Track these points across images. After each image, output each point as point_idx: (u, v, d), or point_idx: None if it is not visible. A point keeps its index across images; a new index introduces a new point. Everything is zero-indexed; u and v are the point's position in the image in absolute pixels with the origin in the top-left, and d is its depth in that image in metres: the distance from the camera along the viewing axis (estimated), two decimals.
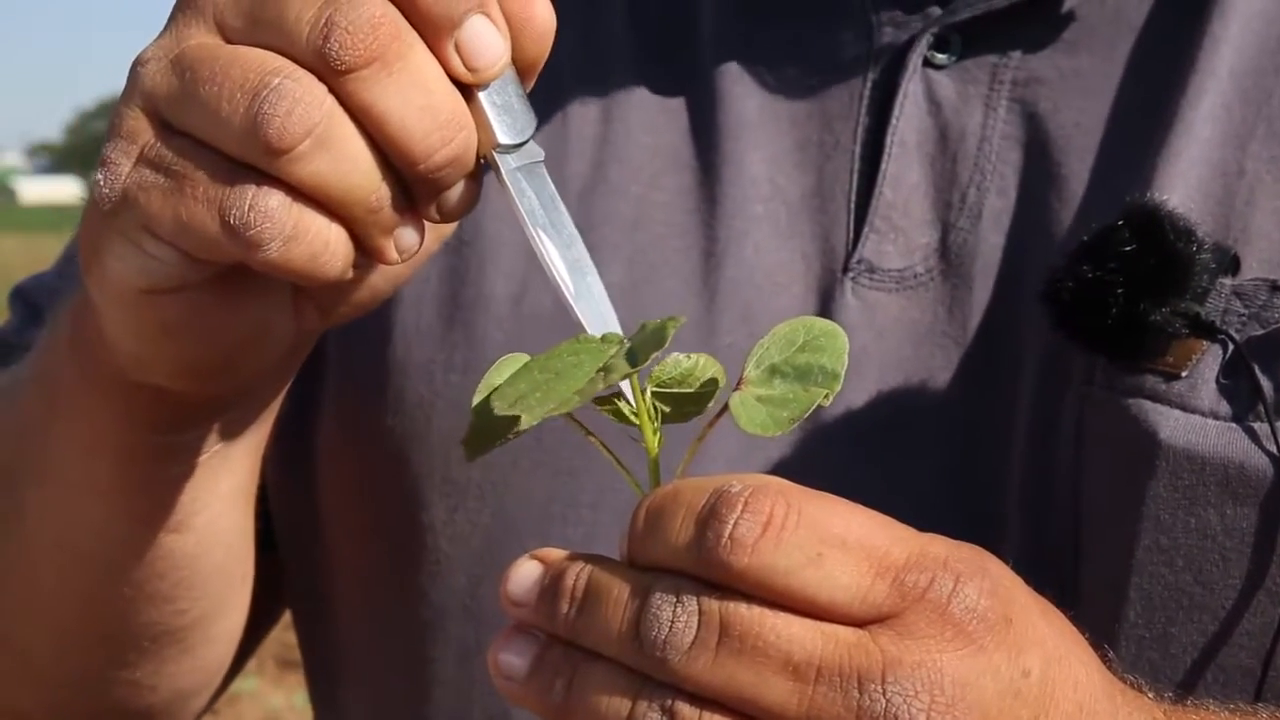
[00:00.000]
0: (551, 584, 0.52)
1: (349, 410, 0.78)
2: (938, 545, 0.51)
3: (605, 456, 0.54)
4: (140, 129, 0.57)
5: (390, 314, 0.77)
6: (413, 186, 0.57)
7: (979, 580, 0.51)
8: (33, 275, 0.90)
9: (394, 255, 0.58)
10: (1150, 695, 0.57)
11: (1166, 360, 0.65)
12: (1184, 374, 0.65)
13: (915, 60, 0.73)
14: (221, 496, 0.73)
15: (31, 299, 0.86)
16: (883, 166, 0.73)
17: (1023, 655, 0.51)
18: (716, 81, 0.76)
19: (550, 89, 0.78)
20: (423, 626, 0.76)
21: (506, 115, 0.58)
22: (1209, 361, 0.65)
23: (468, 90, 0.57)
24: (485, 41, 0.56)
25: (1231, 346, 0.65)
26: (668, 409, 0.54)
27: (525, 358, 0.54)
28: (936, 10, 0.74)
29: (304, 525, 0.82)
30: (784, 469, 0.71)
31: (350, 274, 0.58)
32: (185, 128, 0.56)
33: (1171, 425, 0.65)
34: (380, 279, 0.66)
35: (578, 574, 0.52)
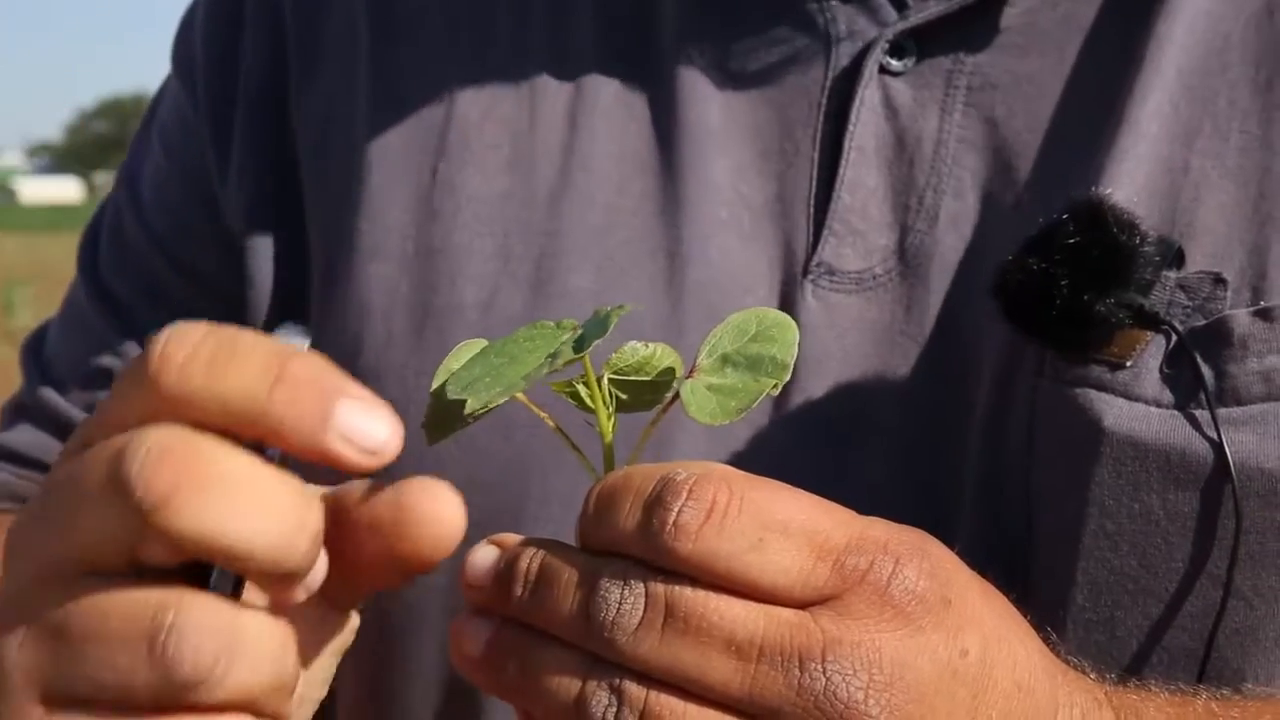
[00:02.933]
0: (506, 567, 0.54)
1: None
2: (878, 528, 0.53)
3: (564, 443, 0.56)
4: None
5: (362, 325, 0.78)
6: (270, 585, 0.51)
7: (918, 562, 0.52)
8: (40, 328, 0.95)
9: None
10: (1093, 676, 0.58)
11: (1111, 350, 0.67)
12: (1128, 364, 0.67)
13: (871, 67, 0.75)
14: None
15: (39, 356, 0.91)
16: (841, 172, 0.74)
17: (961, 635, 0.52)
18: (680, 89, 0.78)
19: (519, 93, 0.80)
20: (400, 626, 0.78)
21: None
22: (1153, 352, 0.67)
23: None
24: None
25: (1175, 337, 0.67)
26: (625, 396, 0.56)
27: (484, 343, 0.56)
28: (892, 16, 0.75)
29: None
30: (742, 462, 0.72)
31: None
32: (73, 694, 0.50)
33: (1115, 413, 0.66)
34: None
35: (530, 558, 0.53)
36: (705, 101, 0.77)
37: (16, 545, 0.53)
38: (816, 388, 0.73)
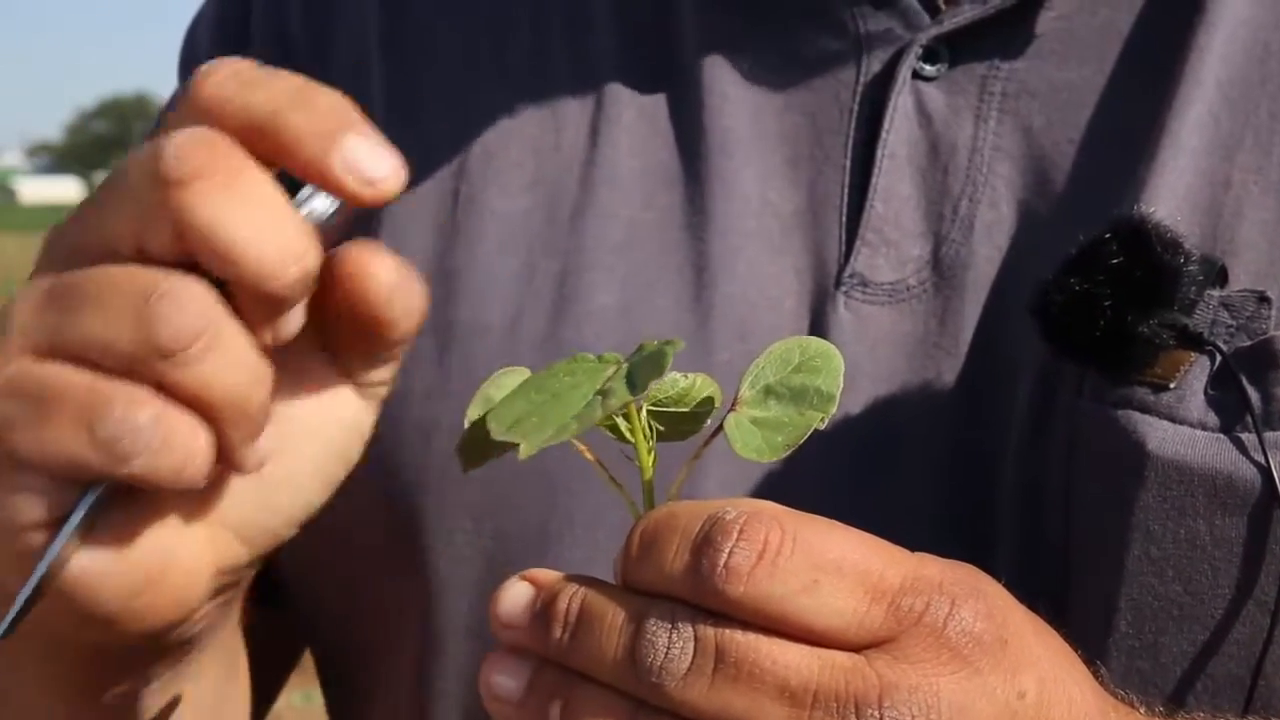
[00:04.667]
0: (544, 608, 0.52)
1: None
2: (932, 567, 0.51)
3: (603, 478, 0.54)
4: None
5: None
6: (252, 309, 0.55)
7: (974, 602, 0.51)
8: None
9: (253, 464, 0.57)
10: (1142, 710, 0.57)
11: (1155, 372, 0.66)
12: (1172, 385, 0.65)
13: (904, 73, 0.73)
14: (200, 698, 0.72)
15: None
16: (873, 180, 0.73)
17: (1018, 676, 0.51)
18: (705, 98, 0.76)
19: (540, 110, 0.79)
20: (424, 648, 0.76)
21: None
22: (1197, 373, 0.65)
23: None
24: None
25: (1219, 358, 0.65)
26: (663, 428, 0.55)
27: (525, 372, 0.54)
28: (925, 20, 0.74)
29: (308, 548, 0.82)
30: (777, 481, 0.71)
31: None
32: (62, 346, 0.55)
33: (1160, 436, 0.65)
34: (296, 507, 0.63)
35: (571, 597, 0.52)
36: (731, 109, 0.76)
37: (53, 236, 0.58)
38: (849, 401, 0.71)
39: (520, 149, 0.78)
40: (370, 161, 0.55)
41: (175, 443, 0.54)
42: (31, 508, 0.56)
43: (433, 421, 0.75)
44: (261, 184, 0.54)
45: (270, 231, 0.54)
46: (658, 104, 0.77)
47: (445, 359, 0.76)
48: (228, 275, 0.54)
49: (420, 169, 0.79)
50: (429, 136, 0.80)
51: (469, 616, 0.75)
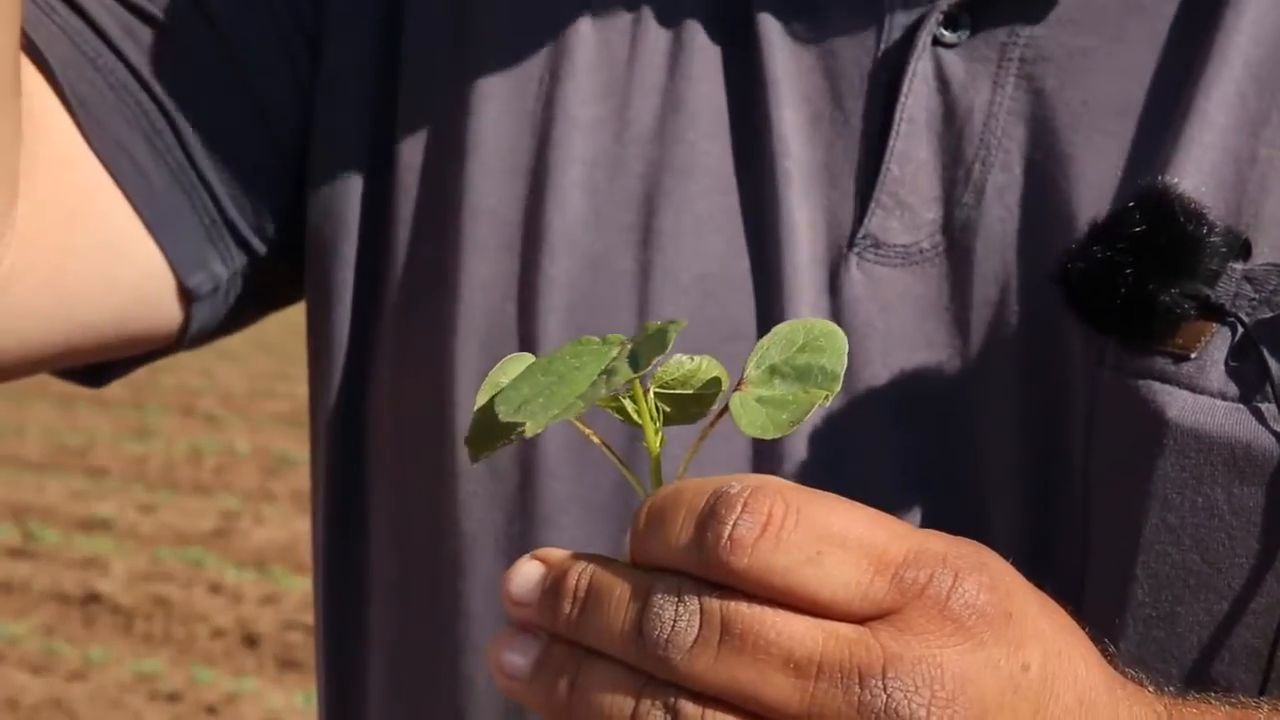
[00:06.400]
0: (554, 584, 0.53)
1: (401, 340, 0.80)
2: (936, 541, 0.52)
3: (610, 460, 0.55)
4: None
5: (476, 226, 0.78)
6: None
7: (978, 575, 0.51)
8: None
9: None
10: (1151, 689, 0.57)
11: (1176, 342, 0.66)
12: (1193, 355, 0.65)
13: (924, 39, 0.73)
14: None
15: None
16: (890, 143, 0.73)
17: (1022, 650, 0.51)
18: (760, 44, 0.77)
19: (621, 25, 0.79)
20: (453, 557, 0.78)
21: None
22: (1218, 344, 0.65)
23: None
24: None
25: (1241, 329, 0.65)
26: (670, 409, 0.55)
27: (529, 358, 0.55)
28: None
29: (349, 440, 0.83)
30: (789, 441, 0.71)
31: None
32: None
33: (1180, 405, 0.65)
34: None
35: (580, 574, 0.52)
36: (775, 56, 0.76)
37: None
38: (859, 362, 0.72)
39: (597, 54, 0.79)
40: None
41: None
42: None
43: (493, 321, 0.76)
44: None
45: None
46: (723, 38, 0.78)
47: (514, 257, 0.77)
48: None
49: (506, 60, 0.80)
50: (513, 31, 0.80)
51: (500, 530, 0.76)
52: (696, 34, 0.78)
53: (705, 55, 0.78)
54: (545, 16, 0.80)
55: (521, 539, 0.76)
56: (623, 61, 0.78)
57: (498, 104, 0.80)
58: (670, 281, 0.75)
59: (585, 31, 0.79)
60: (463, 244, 0.78)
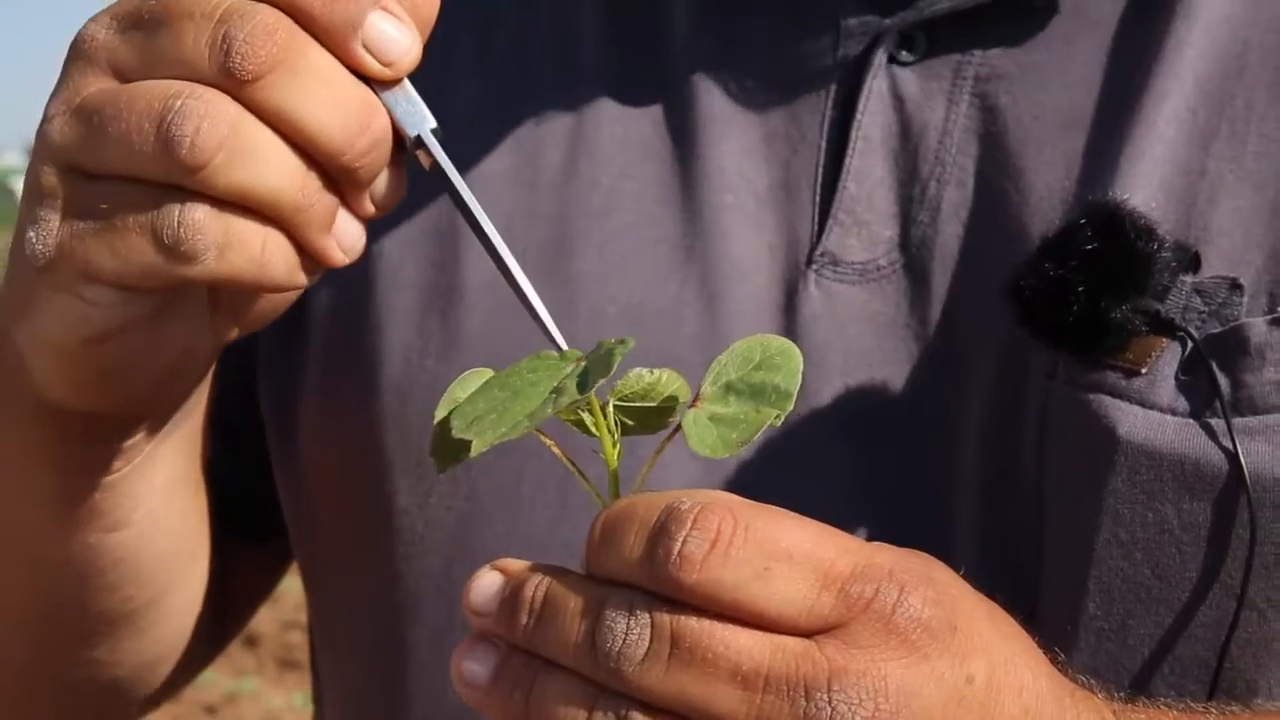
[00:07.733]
0: (511, 595, 0.54)
1: (330, 391, 0.80)
2: (883, 555, 0.53)
3: (570, 471, 0.56)
4: (59, 183, 0.59)
5: (368, 300, 0.78)
6: (341, 183, 0.59)
7: (924, 589, 0.52)
8: None
9: (339, 255, 0.60)
10: (1101, 696, 0.58)
11: (1127, 357, 0.67)
12: (1144, 370, 0.66)
13: (880, 57, 0.74)
14: (158, 490, 0.75)
15: None
16: (847, 161, 0.74)
17: (967, 662, 0.52)
18: (688, 76, 0.77)
19: (527, 84, 0.80)
20: (398, 608, 0.78)
21: (417, 104, 0.60)
22: (1168, 358, 0.66)
23: (373, 86, 0.60)
24: (391, 37, 0.59)
25: (1191, 344, 0.66)
26: (630, 422, 0.56)
27: (488, 373, 0.56)
28: (901, 8, 0.74)
29: (292, 501, 0.84)
30: (749, 459, 0.72)
31: (307, 279, 0.60)
32: (103, 169, 0.58)
33: (1130, 421, 0.66)
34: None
35: (536, 585, 0.54)
36: (713, 91, 0.77)
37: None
38: (818, 380, 0.72)
39: (503, 118, 0.80)
40: (389, 42, 0.59)
41: (240, 239, 0.57)
42: (101, 324, 0.60)
43: (411, 380, 0.77)
44: (324, 59, 0.58)
45: (335, 108, 0.57)
46: (641, 79, 0.79)
47: (427, 319, 0.77)
48: (294, 139, 0.57)
49: None
50: None
51: (441, 576, 0.77)
52: (604, 78, 0.79)
53: (616, 97, 0.78)
54: (438, 94, 0.82)
55: (462, 583, 0.76)
56: (531, 114, 0.79)
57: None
58: (597, 316, 0.75)
59: (485, 97, 0.80)
60: (380, 316, 0.78)
